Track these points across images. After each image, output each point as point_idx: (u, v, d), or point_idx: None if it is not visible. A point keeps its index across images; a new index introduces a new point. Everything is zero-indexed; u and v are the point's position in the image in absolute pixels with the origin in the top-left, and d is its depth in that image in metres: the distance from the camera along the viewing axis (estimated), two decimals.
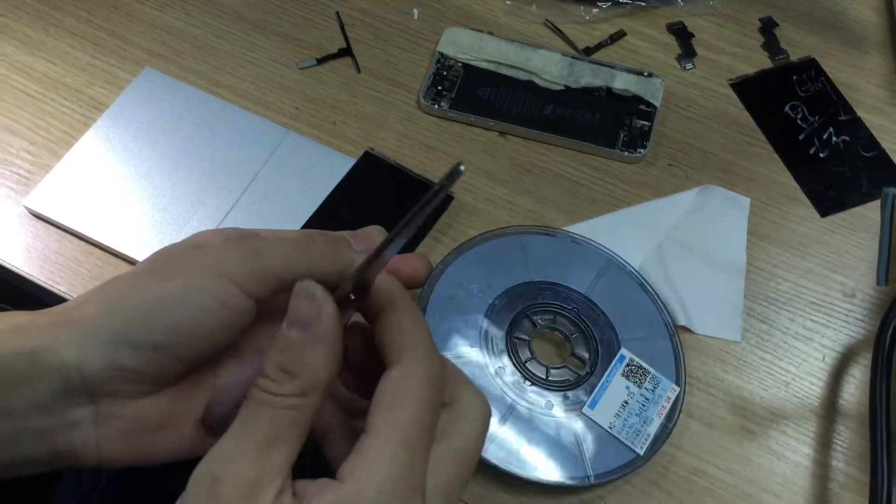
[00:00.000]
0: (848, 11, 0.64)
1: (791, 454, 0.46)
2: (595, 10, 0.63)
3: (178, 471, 0.35)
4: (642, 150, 0.55)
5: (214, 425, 0.35)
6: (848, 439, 0.47)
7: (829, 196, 0.55)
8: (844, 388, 0.48)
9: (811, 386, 0.48)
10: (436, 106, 0.57)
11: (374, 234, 0.41)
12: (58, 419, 0.33)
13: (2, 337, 0.33)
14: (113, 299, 0.34)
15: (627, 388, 0.46)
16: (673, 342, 0.48)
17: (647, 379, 0.46)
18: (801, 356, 0.49)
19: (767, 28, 0.63)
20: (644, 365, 0.46)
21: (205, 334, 0.34)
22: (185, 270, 0.34)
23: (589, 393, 0.45)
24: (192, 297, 0.33)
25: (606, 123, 0.56)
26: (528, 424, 0.44)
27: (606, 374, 0.46)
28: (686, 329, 0.49)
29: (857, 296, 0.51)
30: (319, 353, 0.31)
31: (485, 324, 0.47)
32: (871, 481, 0.42)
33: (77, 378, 0.32)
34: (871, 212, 0.54)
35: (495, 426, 0.44)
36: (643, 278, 0.50)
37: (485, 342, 0.46)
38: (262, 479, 0.29)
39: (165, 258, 0.36)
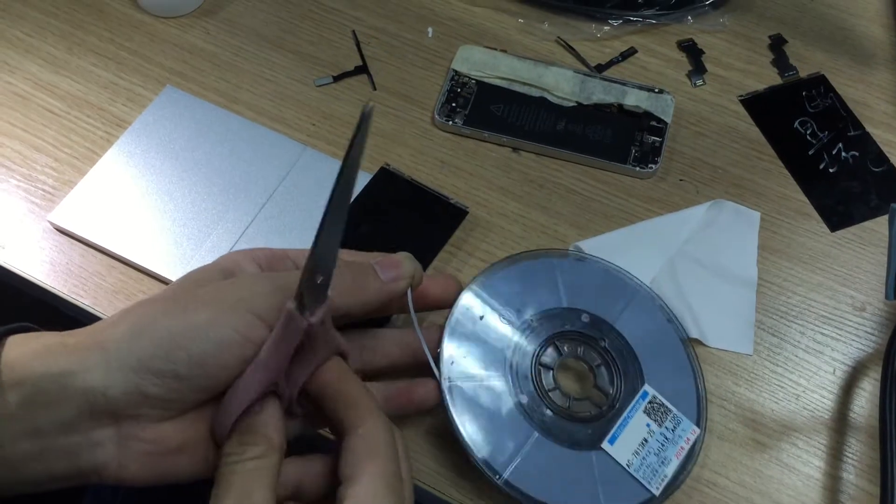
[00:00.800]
0: (856, 28, 0.65)
1: (802, 466, 0.47)
2: (606, 28, 0.64)
3: (195, 490, 0.36)
4: (653, 166, 0.56)
5: (220, 441, 0.36)
6: (858, 452, 0.47)
7: (839, 211, 0.56)
8: (855, 401, 0.49)
9: (822, 399, 0.49)
10: (450, 122, 0.58)
11: (404, 262, 0.41)
12: (82, 439, 0.34)
13: (31, 357, 0.34)
14: (140, 326, 0.35)
15: (648, 425, 0.45)
16: (697, 382, 0.47)
17: (669, 418, 0.45)
18: (812, 369, 0.50)
19: (777, 45, 0.63)
20: (666, 403, 0.46)
21: (227, 366, 0.35)
22: (212, 302, 0.35)
23: (609, 427, 0.45)
24: (218, 330, 0.34)
25: (618, 139, 0.57)
26: (546, 455, 0.43)
27: (628, 409, 0.45)
28: (698, 342, 0.50)
29: (868, 309, 0.52)
30: (270, 426, 0.35)
31: (511, 348, 0.46)
32: (882, 493, 0.42)
33: (102, 401, 0.33)
34: (880, 226, 0.55)
35: (513, 454, 0.43)
36: (672, 313, 0.49)
37: (509, 368, 0.45)
38: None
39: (193, 286, 0.37)
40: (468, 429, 0.43)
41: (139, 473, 0.35)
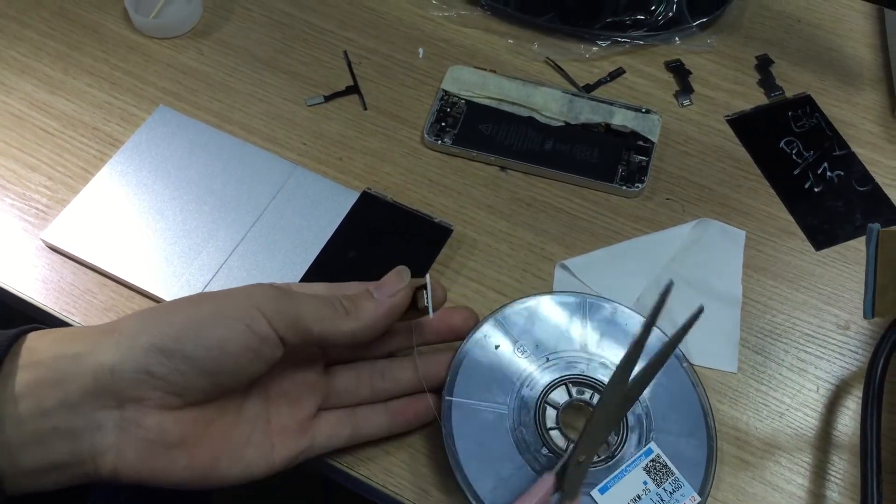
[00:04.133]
0: (843, 49, 0.66)
1: (785, 484, 0.47)
2: (595, 49, 0.65)
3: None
4: (640, 185, 0.57)
5: None
6: (842, 469, 0.47)
7: (824, 230, 0.56)
8: (838, 419, 0.49)
9: (805, 417, 0.49)
10: (439, 141, 0.58)
11: (394, 276, 0.43)
12: (85, 420, 0.35)
13: (49, 343, 0.36)
14: (152, 315, 0.37)
15: (645, 483, 0.44)
16: (710, 447, 0.45)
17: (669, 480, 0.44)
18: (796, 387, 0.50)
19: (763, 65, 0.64)
20: (669, 465, 0.44)
21: (232, 354, 0.37)
22: (218, 298, 0.38)
23: (604, 477, 0.44)
24: (223, 318, 0.37)
25: (605, 158, 0.58)
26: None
27: (628, 463, 0.44)
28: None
29: (851, 328, 0.52)
30: None
31: (521, 380, 0.46)
32: None
33: (108, 379, 0.35)
34: (864, 245, 0.55)
35: (499, 484, 0.43)
36: (698, 378, 0.47)
37: (515, 399, 0.45)
38: None
39: (204, 293, 0.40)
40: (460, 449, 0.43)
41: (136, 466, 0.36)
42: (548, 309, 0.49)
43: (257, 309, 0.37)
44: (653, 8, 0.65)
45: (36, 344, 0.36)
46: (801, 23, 0.68)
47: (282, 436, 0.41)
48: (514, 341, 0.47)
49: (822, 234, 0.56)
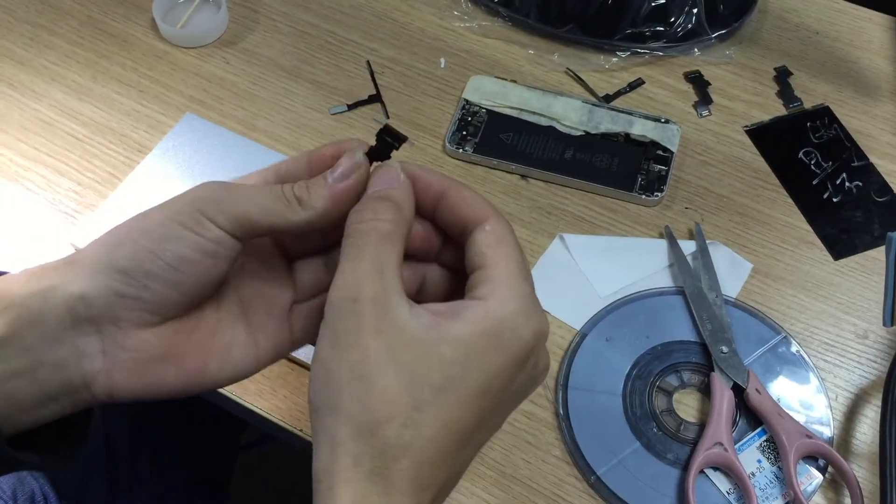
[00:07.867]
0: (861, 61, 0.66)
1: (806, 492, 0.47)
2: (615, 60, 0.65)
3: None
4: (659, 194, 0.57)
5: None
6: (860, 478, 0.47)
7: (842, 239, 0.56)
8: (857, 428, 0.49)
9: (823, 425, 0.49)
10: (460, 150, 0.59)
11: (348, 159, 0.39)
12: (68, 350, 0.36)
13: (20, 283, 0.36)
14: (109, 238, 0.37)
15: (759, 461, 0.46)
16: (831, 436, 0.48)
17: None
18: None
19: (782, 77, 0.65)
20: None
21: (190, 262, 0.36)
22: (167, 207, 0.37)
23: None
24: (169, 226, 0.36)
25: (625, 168, 0.59)
26: (642, 464, 0.47)
27: (741, 443, 0.47)
28: None
29: (870, 337, 0.52)
30: (405, 192, 0.38)
31: (634, 368, 0.50)
32: None
33: (82, 308, 0.36)
34: (883, 255, 0.55)
35: (616, 458, 0.47)
36: (812, 362, 0.51)
37: (627, 385, 0.50)
38: (390, 294, 0.34)
39: (155, 204, 0.39)
40: (576, 429, 0.48)
41: (128, 383, 0.37)
42: (661, 303, 0.53)
43: (201, 213, 0.37)
44: (672, 20, 0.65)
45: (6, 286, 0.37)
46: (819, 35, 0.68)
47: (262, 333, 0.41)
48: (627, 332, 0.51)
49: (841, 244, 0.56)
